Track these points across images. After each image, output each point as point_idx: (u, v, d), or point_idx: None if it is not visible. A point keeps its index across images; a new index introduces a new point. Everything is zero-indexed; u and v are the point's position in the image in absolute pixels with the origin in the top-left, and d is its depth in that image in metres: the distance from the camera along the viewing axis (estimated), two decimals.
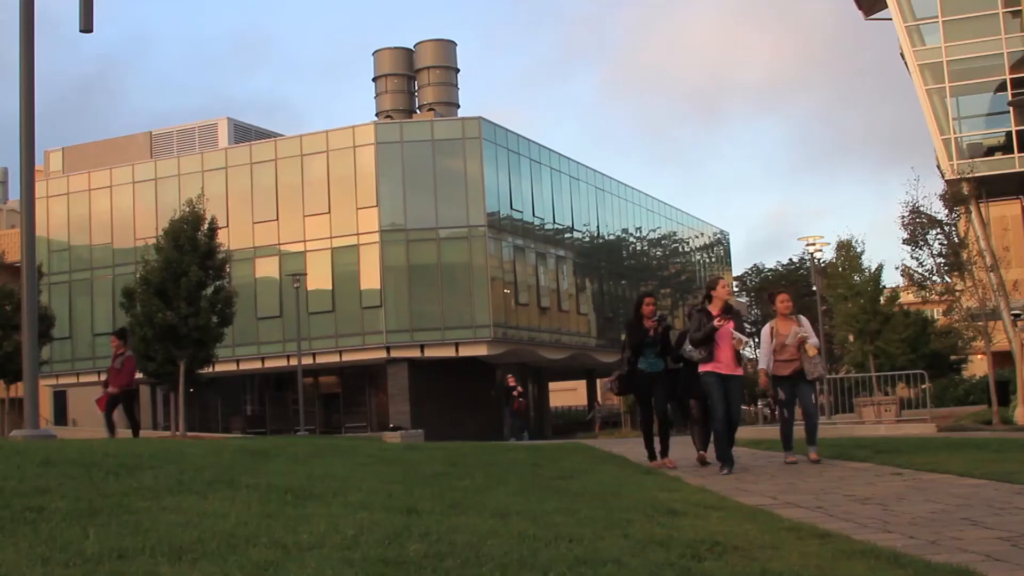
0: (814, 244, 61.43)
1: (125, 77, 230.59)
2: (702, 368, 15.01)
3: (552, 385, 79.38)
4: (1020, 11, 42.50)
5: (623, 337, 16.78)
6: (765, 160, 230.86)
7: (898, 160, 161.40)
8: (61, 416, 69.96)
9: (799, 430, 15.71)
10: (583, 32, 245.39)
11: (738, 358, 15.15)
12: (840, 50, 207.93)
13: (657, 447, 16.12)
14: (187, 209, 39.00)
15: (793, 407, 15.75)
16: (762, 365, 15.91)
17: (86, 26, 21.71)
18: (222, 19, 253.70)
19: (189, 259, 37.51)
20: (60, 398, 70.65)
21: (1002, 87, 43.66)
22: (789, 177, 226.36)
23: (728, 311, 15.09)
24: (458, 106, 72.87)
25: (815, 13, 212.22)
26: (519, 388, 41.32)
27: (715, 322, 14.83)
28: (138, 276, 39.60)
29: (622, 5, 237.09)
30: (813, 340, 15.55)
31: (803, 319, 15.90)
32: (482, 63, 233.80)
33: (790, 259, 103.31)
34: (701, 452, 16.14)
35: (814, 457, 15.29)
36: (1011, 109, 38.99)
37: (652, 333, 15.72)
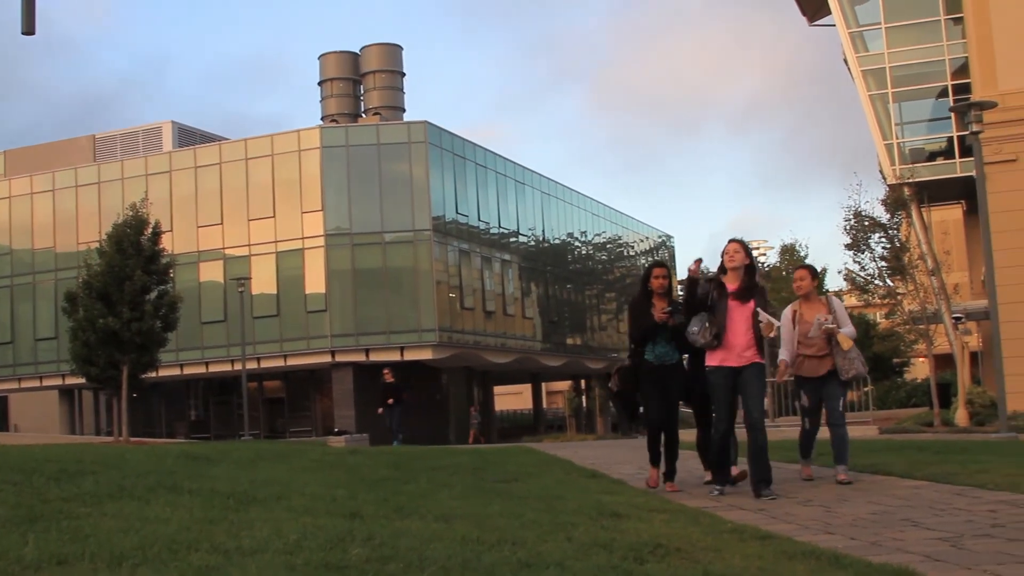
0: (758, 248, 61.68)
1: (140, 97, 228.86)
2: (709, 361, 11.83)
3: (497, 389, 79.45)
4: (962, 18, 42.89)
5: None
6: (737, 173, 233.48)
7: (861, 171, 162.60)
8: (2, 422, 69.34)
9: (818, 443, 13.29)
10: (567, 55, 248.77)
11: (760, 344, 11.74)
12: (807, 68, 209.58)
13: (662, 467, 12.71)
14: (130, 213, 38.66)
15: (818, 416, 12.95)
16: (783, 356, 12.71)
17: (28, 28, 21.57)
18: (236, 42, 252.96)
19: (133, 263, 37.14)
20: (1, 404, 70.03)
21: (944, 93, 44.05)
22: (757, 189, 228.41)
23: (750, 288, 11.85)
24: (404, 110, 72.73)
25: (783, 35, 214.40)
26: (392, 379, 37.53)
27: (713, 291, 11.71)
28: (81, 280, 39.19)
29: (605, 30, 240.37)
30: (847, 330, 12.62)
31: (836, 302, 13.07)
32: (470, 80, 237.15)
33: None
34: (732, 467, 12.71)
35: (843, 478, 12.39)
36: (952, 115, 39.33)
37: (664, 320, 12.34)
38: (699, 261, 11.93)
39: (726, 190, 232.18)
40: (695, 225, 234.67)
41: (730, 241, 12.10)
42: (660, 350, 12.46)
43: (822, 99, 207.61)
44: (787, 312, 12.87)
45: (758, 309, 11.64)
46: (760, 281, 12.29)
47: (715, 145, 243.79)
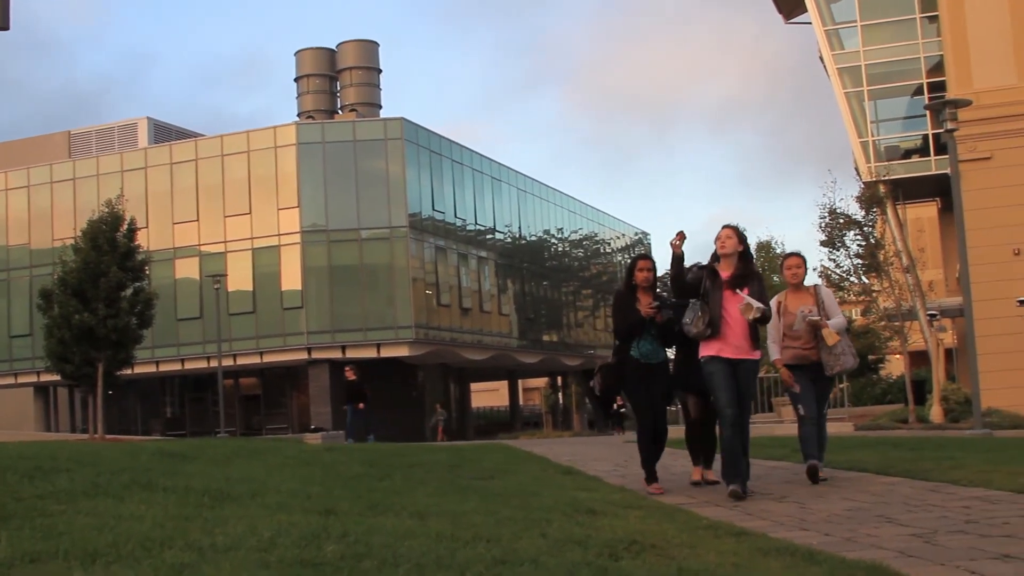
0: None
1: (122, 95, 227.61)
2: (703, 352, 11.11)
3: (474, 386, 79.40)
4: (937, 16, 43.05)
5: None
6: (715, 171, 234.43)
7: (836, 168, 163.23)
8: None
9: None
10: (548, 54, 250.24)
11: (755, 336, 11.16)
12: (784, 67, 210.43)
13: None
14: (106, 209, 38.51)
15: (812, 402, 12.04)
16: (774, 355, 12.04)
17: (1, 24, 21.44)
18: (218, 40, 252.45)
19: (108, 260, 37.01)
20: None
21: (919, 91, 44.23)
22: (735, 187, 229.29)
23: (745, 275, 11.20)
24: (380, 107, 72.70)
25: (760, 33, 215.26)
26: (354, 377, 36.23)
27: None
28: (56, 277, 39.05)
29: (585, 30, 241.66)
30: (836, 321, 11.93)
31: (824, 291, 12.36)
32: (451, 78, 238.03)
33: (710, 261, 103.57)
34: (697, 468, 12.50)
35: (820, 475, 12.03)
36: (927, 113, 39.42)
37: (652, 316, 11.54)
38: (681, 234, 11.04)
39: (704, 188, 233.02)
40: (673, 223, 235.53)
41: (723, 227, 11.40)
42: (645, 348, 11.67)
43: (799, 97, 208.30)
44: (772, 304, 11.82)
45: (743, 293, 10.94)
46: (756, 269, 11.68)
47: (693, 143, 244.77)
